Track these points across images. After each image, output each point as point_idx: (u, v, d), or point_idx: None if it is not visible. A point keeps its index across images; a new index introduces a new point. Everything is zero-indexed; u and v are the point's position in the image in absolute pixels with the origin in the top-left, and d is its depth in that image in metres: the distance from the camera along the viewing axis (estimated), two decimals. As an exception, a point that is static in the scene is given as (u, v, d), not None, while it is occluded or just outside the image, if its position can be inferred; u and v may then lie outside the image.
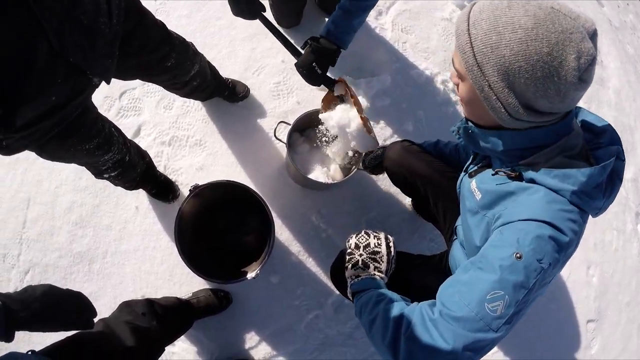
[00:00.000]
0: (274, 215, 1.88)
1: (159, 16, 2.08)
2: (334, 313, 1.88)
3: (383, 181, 2.04)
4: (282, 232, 1.91)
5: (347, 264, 1.07)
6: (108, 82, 1.04)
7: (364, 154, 1.75)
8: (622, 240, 2.44)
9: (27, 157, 1.96)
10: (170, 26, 1.36)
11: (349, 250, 1.09)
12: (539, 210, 0.80)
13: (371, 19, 2.27)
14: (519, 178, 0.89)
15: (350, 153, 1.86)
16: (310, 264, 1.91)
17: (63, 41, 0.82)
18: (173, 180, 1.92)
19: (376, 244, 1.08)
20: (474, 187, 1.02)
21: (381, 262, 1.05)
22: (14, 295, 0.84)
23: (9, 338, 0.81)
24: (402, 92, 2.19)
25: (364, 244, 1.08)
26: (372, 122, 2.08)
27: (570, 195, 0.81)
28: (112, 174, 1.43)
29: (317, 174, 1.77)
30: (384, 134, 2.11)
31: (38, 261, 1.85)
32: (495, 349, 2.03)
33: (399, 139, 1.64)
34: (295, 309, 1.86)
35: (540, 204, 0.81)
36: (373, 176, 2.00)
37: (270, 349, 1.82)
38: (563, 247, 0.78)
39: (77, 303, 0.94)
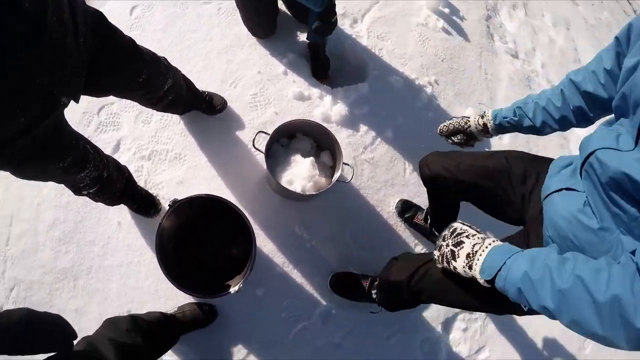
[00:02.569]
0: (257, 227, 1.90)
1: (133, 31, 2.12)
2: (322, 324, 1.87)
3: (365, 190, 2.05)
4: (266, 244, 1.91)
5: (450, 255, 0.96)
6: (77, 101, 1.05)
7: None
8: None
9: (8, 175, 1.95)
10: (146, 41, 1.36)
11: (443, 249, 1.00)
12: None
13: (346, 27, 2.29)
14: None
15: (329, 162, 1.89)
16: (296, 275, 1.90)
17: (30, 65, 0.82)
18: (154, 194, 1.92)
19: (460, 229, 1.00)
20: None
21: (474, 232, 0.97)
22: None
23: None
24: (381, 99, 2.20)
25: (449, 237, 1.00)
26: (351, 130, 2.11)
27: None
28: (91, 191, 1.43)
29: (297, 185, 1.78)
30: (364, 141, 2.12)
31: (23, 278, 1.84)
32: (488, 353, 2.02)
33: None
34: (282, 321, 1.85)
35: None
36: (356, 186, 2.03)
37: (259, 362, 1.81)
38: None
39: (55, 325, 0.93)
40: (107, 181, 1.45)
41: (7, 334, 0.83)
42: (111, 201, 1.64)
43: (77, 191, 1.42)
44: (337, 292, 1.87)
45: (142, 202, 1.83)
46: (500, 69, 2.60)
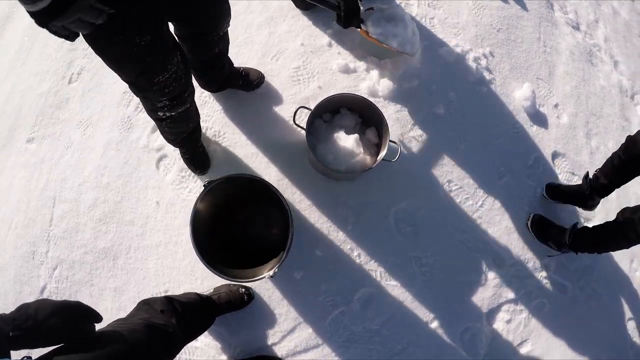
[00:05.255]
0: (297, 207, 1.83)
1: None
2: (360, 309, 1.79)
3: (412, 169, 1.92)
4: (306, 225, 1.82)
5: None
6: None
7: None
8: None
9: (52, 157, 2.00)
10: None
11: None
12: None
13: (395, -6, 2.13)
14: None
15: (374, 140, 1.77)
16: (336, 258, 1.81)
17: None
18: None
19: None
20: None
21: None
22: (6, 316, 0.80)
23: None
24: (431, 72, 2.05)
25: None
26: (399, 105, 1.98)
27: None
28: (168, 115, 1.34)
29: (341, 162, 1.68)
30: (413, 117, 1.97)
31: (65, 257, 1.87)
32: (530, 347, 1.89)
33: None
34: (320, 305, 1.78)
35: None
36: (402, 165, 1.90)
37: (294, 345, 1.75)
38: None
39: (73, 314, 0.88)
40: (186, 112, 1.40)
41: (19, 329, 0.79)
42: (176, 139, 1.62)
43: (152, 112, 1.34)
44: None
45: (195, 156, 1.81)
46: (560, 41, 2.37)
